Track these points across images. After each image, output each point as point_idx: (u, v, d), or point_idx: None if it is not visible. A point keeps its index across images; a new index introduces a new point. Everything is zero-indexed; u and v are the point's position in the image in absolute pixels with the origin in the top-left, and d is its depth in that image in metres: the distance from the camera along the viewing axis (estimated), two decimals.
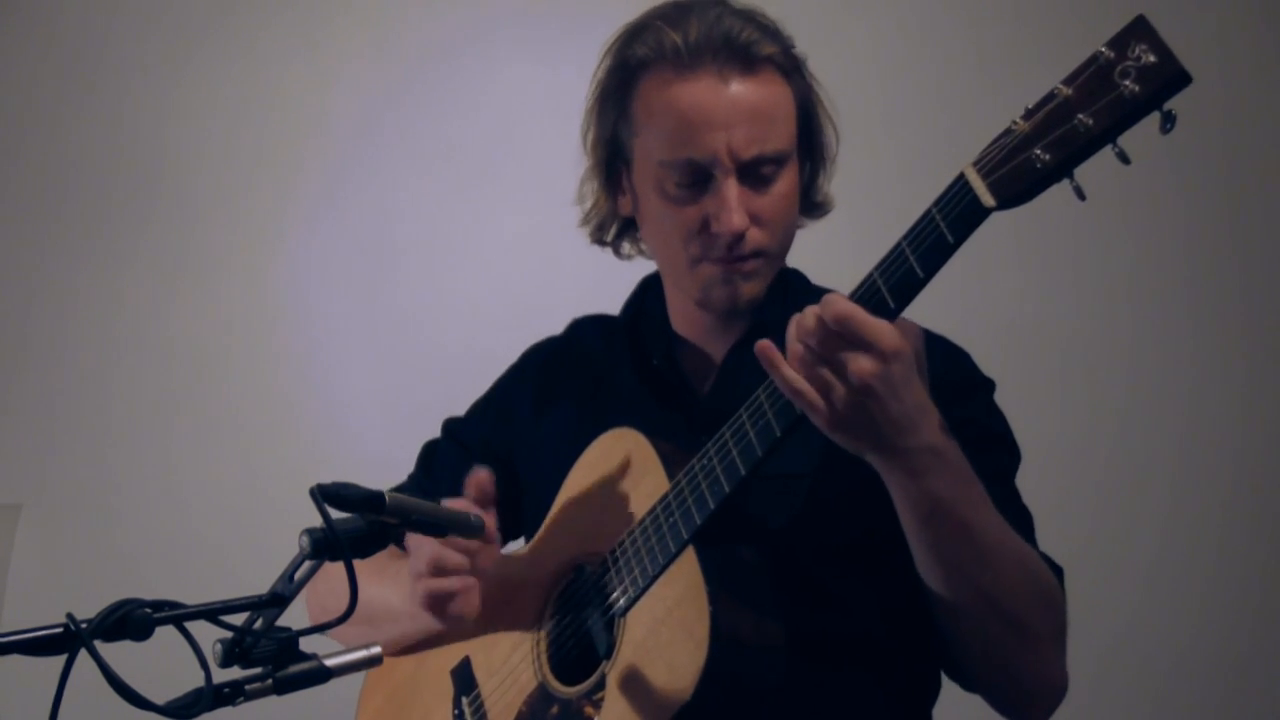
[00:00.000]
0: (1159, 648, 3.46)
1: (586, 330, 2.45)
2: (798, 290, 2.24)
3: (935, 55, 3.69)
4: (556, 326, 2.50)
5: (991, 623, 1.96)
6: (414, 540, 2.12)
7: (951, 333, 2.21)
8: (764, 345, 1.82)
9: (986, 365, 2.22)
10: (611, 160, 2.24)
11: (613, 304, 2.43)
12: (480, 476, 2.10)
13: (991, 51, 3.63)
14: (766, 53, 2.12)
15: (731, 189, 2.10)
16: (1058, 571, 2.07)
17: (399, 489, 2.44)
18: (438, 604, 2.09)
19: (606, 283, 2.41)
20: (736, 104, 2.10)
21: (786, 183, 2.15)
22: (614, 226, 2.32)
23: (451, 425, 2.50)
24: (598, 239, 2.34)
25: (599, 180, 2.27)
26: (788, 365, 1.81)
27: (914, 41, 3.72)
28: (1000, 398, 2.20)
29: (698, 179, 2.12)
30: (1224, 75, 3.42)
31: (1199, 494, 3.50)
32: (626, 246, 2.35)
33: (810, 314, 1.79)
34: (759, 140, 2.10)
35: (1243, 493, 3.49)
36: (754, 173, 2.12)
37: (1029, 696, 2.07)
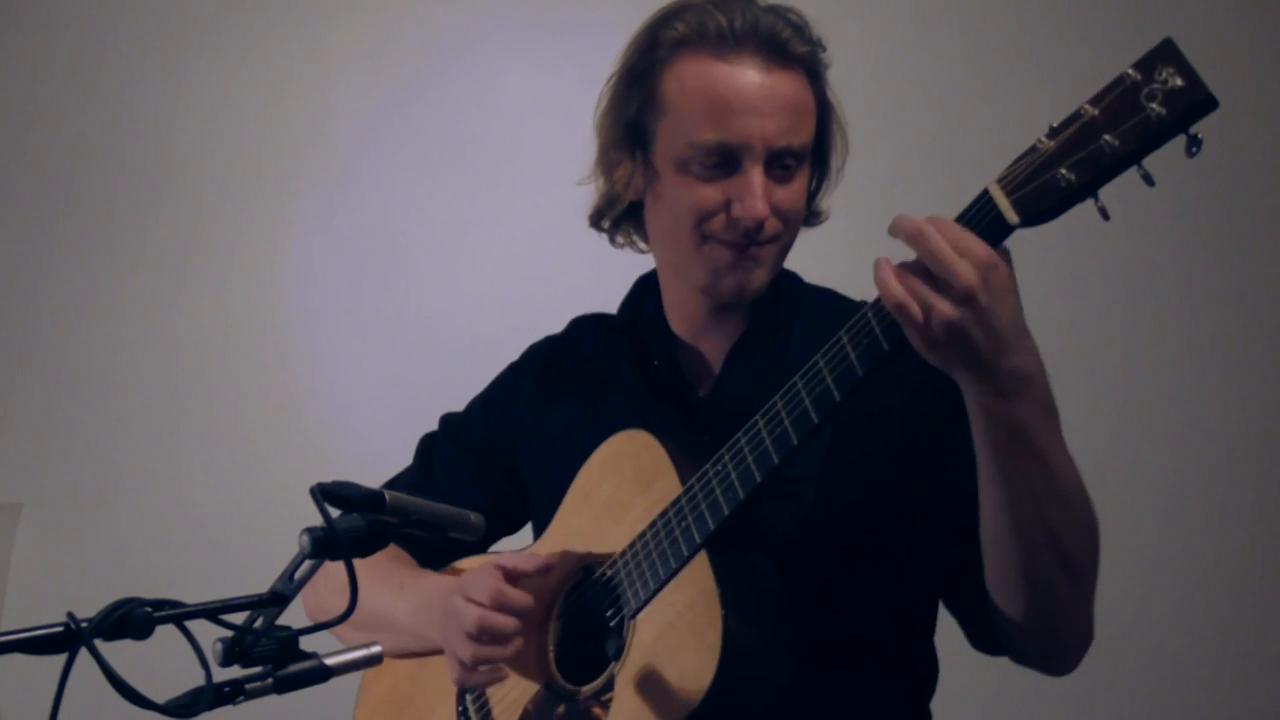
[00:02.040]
0: (1156, 646, 3.47)
1: (586, 329, 2.45)
2: (794, 292, 2.26)
3: (933, 58, 3.71)
4: (558, 325, 2.50)
5: (1050, 561, 1.92)
6: (471, 577, 2.14)
7: None
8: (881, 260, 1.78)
9: None
10: (629, 141, 2.22)
11: (614, 302, 2.43)
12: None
13: (989, 55, 3.65)
14: (801, 51, 2.14)
15: (758, 176, 2.11)
16: None
17: (395, 481, 2.45)
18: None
19: (607, 281, 2.41)
20: (774, 94, 2.11)
21: (803, 180, 2.18)
22: (616, 211, 2.29)
23: (451, 422, 2.50)
24: (595, 223, 2.32)
25: (612, 159, 2.25)
26: (893, 277, 1.76)
27: (912, 44, 3.74)
28: None
29: (725, 162, 2.12)
30: (1220, 75, 3.41)
31: (1196, 494, 3.51)
32: (620, 236, 2.33)
33: (911, 222, 1.76)
34: (789, 133, 2.12)
35: (1240, 492, 3.50)
36: (778, 164, 2.13)
37: (1067, 646, 2.07)
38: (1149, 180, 1.68)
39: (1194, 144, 1.66)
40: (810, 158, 2.19)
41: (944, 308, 1.73)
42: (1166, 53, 1.66)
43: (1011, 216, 1.73)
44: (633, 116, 2.20)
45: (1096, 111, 1.68)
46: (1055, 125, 1.71)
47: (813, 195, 2.25)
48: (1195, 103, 1.64)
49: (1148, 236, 3.54)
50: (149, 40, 4.17)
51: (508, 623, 2.10)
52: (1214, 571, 3.47)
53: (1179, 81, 1.64)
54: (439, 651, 2.24)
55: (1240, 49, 3.53)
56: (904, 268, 1.76)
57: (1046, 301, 3.56)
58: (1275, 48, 3.57)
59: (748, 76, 2.11)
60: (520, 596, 2.11)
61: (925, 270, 1.75)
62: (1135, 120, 1.65)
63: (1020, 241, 3.26)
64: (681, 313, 2.28)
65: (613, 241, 2.34)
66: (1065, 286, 3.56)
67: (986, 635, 2.08)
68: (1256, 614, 3.45)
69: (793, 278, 2.29)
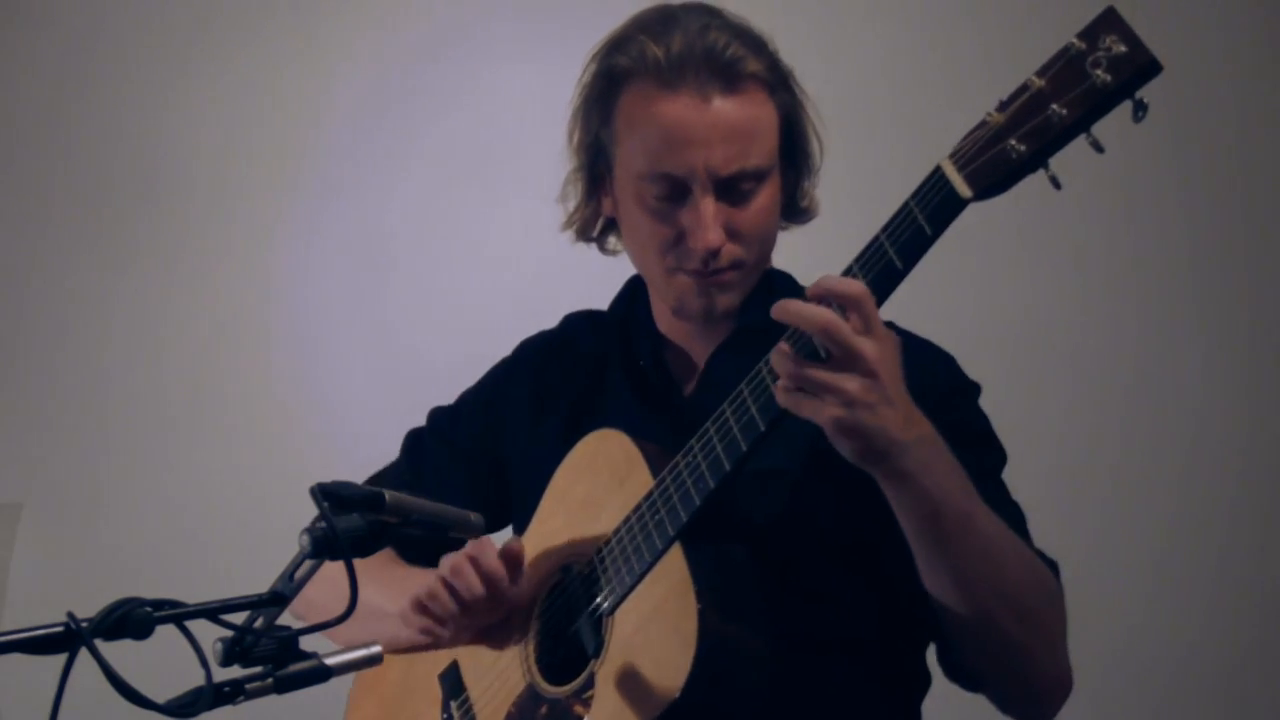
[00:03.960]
0: (1162, 648, 3.47)
1: (579, 326, 2.45)
2: (784, 290, 2.20)
3: (937, 56, 3.68)
4: (554, 325, 2.50)
5: (1003, 620, 1.95)
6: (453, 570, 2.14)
7: (952, 333, 2.21)
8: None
9: (987, 365, 2.23)
10: (594, 164, 2.24)
11: (609, 302, 2.43)
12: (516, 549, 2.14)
13: (996, 54, 3.61)
14: (751, 70, 2.11)
15: (708, 206, 2.10)
16: (1053, 566, 2.07)
17: (381, 476, 2.45)
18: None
19: (604, 281, 2.42)
20: (716, 123, 2.09)
21: (766, 197, 2.15)
22: (598, 225, 2.32)
23: (439, 420, 2.49)
24: (582, 237, 2.34)
25: (583, 182, 2.27)
26: (791, 392, 1.82)
27: (917, 43, 3.72)
28: (1001, 398, 2.21)
29: (676, 193, 2.11)
30: (1224, 71, 3.41)
31: (1202, 493, 3.50)
32: (612, 242, 2.34)
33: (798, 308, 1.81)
34: (738, 158, 2.10)
35: (1247, 491, 3.49)
36: (733, 189, 2.11)
37: (1040, 694, 2.07)
38: (1098, 147, 1.69)
39: (1140, 109, 1.67)
40: (780, 165, 2.17)
41: (852, 387, 1.78)
42: (1110, 20, 1.69)
43: (964, 190, 1.74)
44: (593, 142, 2.21)
45: (1044, 82, 1.70)
46: (1004, 98, 1.73)
47: (791, 196, 2.24)
48: (1138, 68, 1.66)
49: (1152, 234, 3.55)
50: (142, 39, 4.16)
51: (451, 599, 2.11)
52: (1219, 575, 3.46)
53: (1122, 48, 1.66)
54: (423, 646, 2.24)
55: (1244, 48, 3.50)
56: (796, 363, 1.80)
57: (1048, 302, 3.61)
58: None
59: (687, 107, 2.08)
60: (474, 580, 2.11)
61: (813, 354, 1.79)
62: (1081, 88, 1.68)
63: (1024, 242, 3.28)
64: (668, 317, 2.28)
65: (603, 249, 2.35)
66: (1068, 287, 3.56)
67: (960, 667, 2.10)
68: (1262, 617, 3.45)
69: (785, 278, 2.28)
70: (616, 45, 2.18)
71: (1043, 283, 3.54)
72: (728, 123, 2.09)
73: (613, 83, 2.17)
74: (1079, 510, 3.36)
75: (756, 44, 2.15)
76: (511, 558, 2.14)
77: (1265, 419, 3.50)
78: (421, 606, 2.12)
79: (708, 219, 2.09)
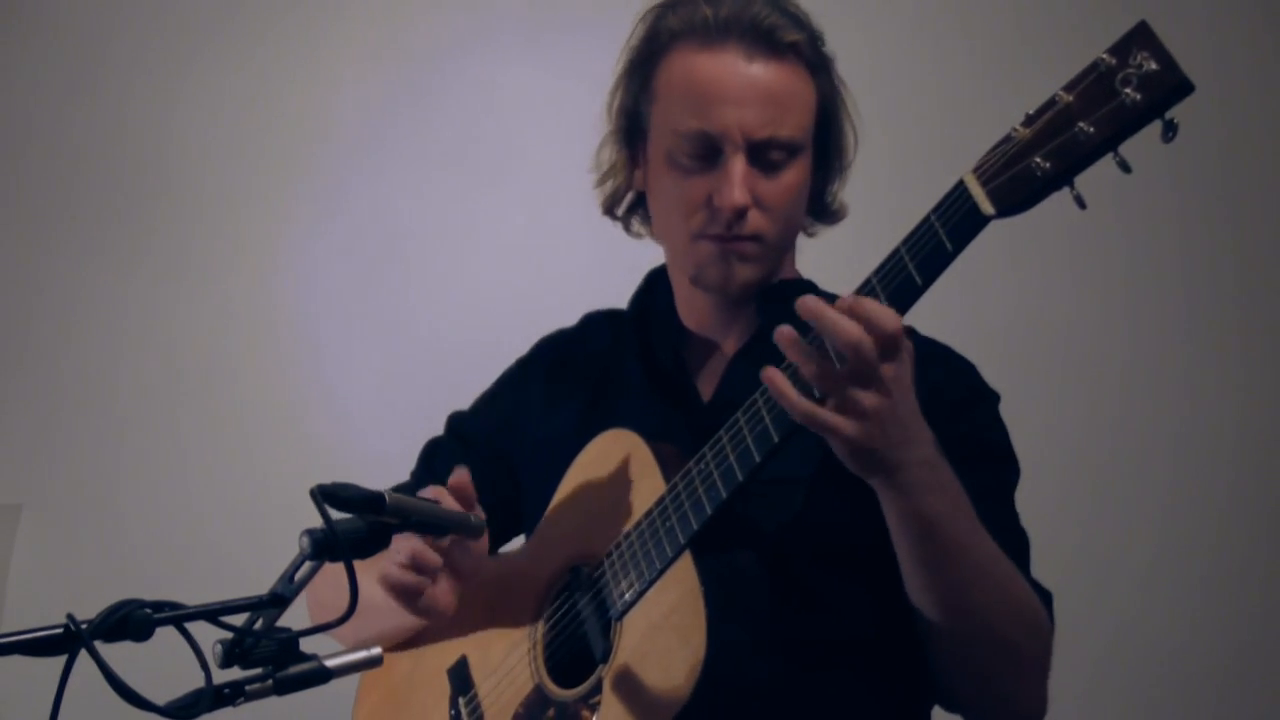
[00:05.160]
0: (1156, 648, 3.46)
1: (597, 325, 2.44)
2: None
3: (937, 56, 3.70)
4: (559, 325, 2.49)
5: (982, 645, 1.97)
6: (398, 537, 2.13)
7: (950, 334, 2.20)
8: (770, 375, 1.83)
9: (984, 366, 2.22)
10: (630, 130, 2.25)
11: (617, 303, 2.42)
12: (460, 477, 2.08)
13: (995, 53, 3.63)
14: (792, 40, 2.14)
15: (738, 165, 2.11)
16: (1046, 597, 2.07)
17: (401, 487, 2.42)
18: (403, 597, 2.08)
19: (609, 280, 2.41)
20: (755, 83, 2.12)
21: (795, 174, 2.15)
22: (627, 199, 2.32)
23: (455, 420, 2.49)
24: (609, 210, 2.33)
25: (617, 148, 2.28)
26: (801, 399, 1.81)
27: (916, 43, 3.73)
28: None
29: (708, 152, 2.12)
30: (1220, 73, 3.42)
31: (1196, 494, 3.50)
32: (636, 224, 2.34)
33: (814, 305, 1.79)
34: (772, 123, 2.11)
35: (1240, 493, 3.49)
36: (764, 156, 2.12)
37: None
38: (1125, 168, 1.66)
39: (1170, 129, 1.64)
40: (813, 152, 2.18)
41: (867, 401, 1.78)
42: (1141, 36, 1.65)
43: (987, 207, 1.72)
44: (632, 107, 2.23)
45: (1071, 98, 1.67)
46: (1031, 113, 1.70)
47: (820, 192, 2.24)
48: (1170, 88, 1.62)
49: (1147, 236, 3.54)
50: (150, 42, 4.16)
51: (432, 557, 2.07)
52: (1213, 575, 3.46)
53: (1154, 65, 1.63)
54: (427, 637, 2.24)
55: (1245, 47, 3.52)
56: (820, 360, 1.79)
57: (1047, 303, 3.60)
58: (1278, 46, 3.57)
59: (729, 65, 2.12)
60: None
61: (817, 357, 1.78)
62: (1110, 107, 1.64)
63: (1020, 243, 3.28)
64: (691, 307, 2.28)
65: (628, 230, 2.35)
66: (1065, 287, 3.55)
67: (936, 683, 2.09)
68: (1258, 616, 3.44)
69: (808, 284, 2.28)
70: (667, 8, 2.21)
71: (1033, 285, 3.54)
72: (766, 86, 2.12)
73: (659, 44, 2.20)
74: (1070, 511, 3.36)
75: (802, 22, 2.18)
76: (459, 491, 2.08)
77: (1257, 421, 3.50)
78: (398, 585, 2.07)
79: (736, 178, 2.10)
